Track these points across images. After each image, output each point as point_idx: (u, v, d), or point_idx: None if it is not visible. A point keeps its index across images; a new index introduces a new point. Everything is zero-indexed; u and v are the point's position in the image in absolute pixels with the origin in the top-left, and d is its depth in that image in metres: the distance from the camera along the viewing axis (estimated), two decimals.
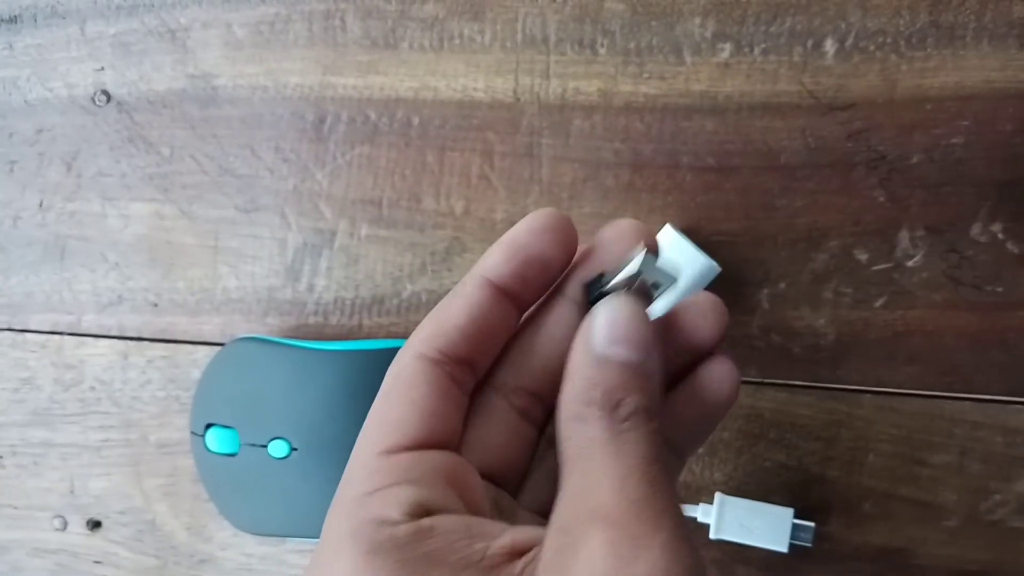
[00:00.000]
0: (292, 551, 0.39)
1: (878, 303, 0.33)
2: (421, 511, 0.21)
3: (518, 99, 0.35)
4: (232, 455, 0.36)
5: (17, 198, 0.40)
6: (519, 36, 0.35)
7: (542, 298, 0.25)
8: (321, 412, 0.35)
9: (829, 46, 0.33)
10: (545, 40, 0.35)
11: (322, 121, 0.37)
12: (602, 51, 0.34)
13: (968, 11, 0.32)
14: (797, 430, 0.34)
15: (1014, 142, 0.32)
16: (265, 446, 0.35)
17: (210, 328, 0.39)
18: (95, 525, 0.41)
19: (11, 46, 0.40)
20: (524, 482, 0.25)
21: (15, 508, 0.42)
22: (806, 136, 0.33)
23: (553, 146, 0.35)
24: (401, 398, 0.23)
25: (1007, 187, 0.32)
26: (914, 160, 0.33)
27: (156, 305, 0.40)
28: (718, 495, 0.33)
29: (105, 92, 0.39)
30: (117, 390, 0.40)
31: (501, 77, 0.35)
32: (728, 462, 0.35)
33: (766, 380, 0.34)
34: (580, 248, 0.25)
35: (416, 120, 0.36)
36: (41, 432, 0.41)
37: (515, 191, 0.36)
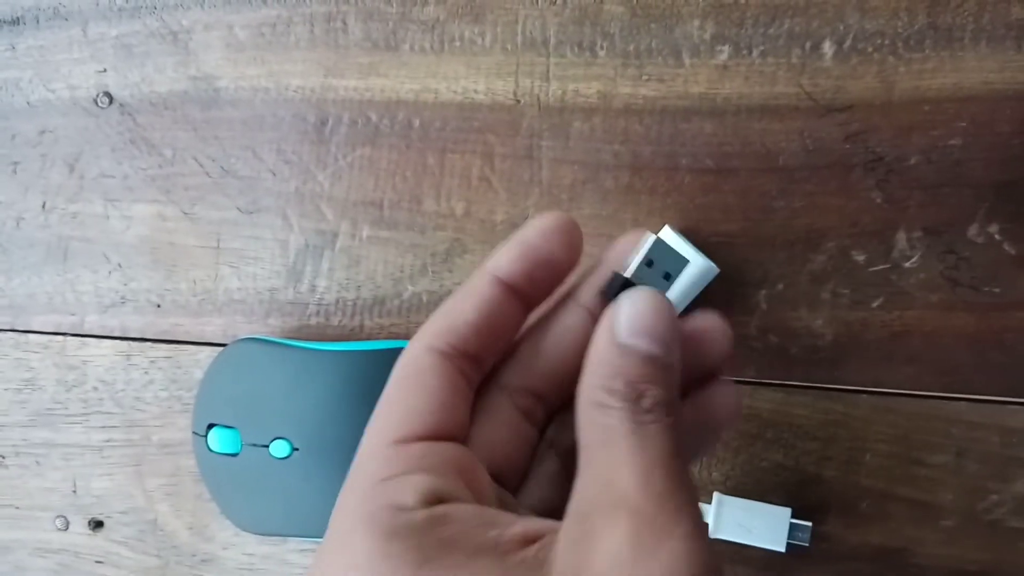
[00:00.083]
0: (294, 551, 0.39)
1: (876, 304, 0.33)
2: (435, 499, 0.21)
3: (518, 101, 0.35)
4: (234, 455, 0.36)
5: (20, 199, 0.41)
6: (519, 38, 0.35)
7: (553, 302, 0.25)
8: (322, 412, 0.35)
9: (827, 48, 0.33)
10: (545, 42, 0.35)
11: (323, 123, 0.37)
12: (601, 53, 0.35)
13: (966, 13, 0.32)
14: (795, 430, 0.34)
15: (1012, 143, 0.32)
16: (267, 446, 0.35)
17: (212, 329, 0.39)
18: (97, 525, 0.41)
19: (13, 47, 0.40)
20: (523, 483, 0.25)
21: (17, 508, 0.42)
22: (804, 138, 0.33)
23: (553, 148, 0.35)
24: (414, 389, 0.23)
25: (1005, 188, 0.32)
26: (912, 161, 0.33)
27: (158, 306, 0.40)
28: (716, 495, 0.33)
29: (107, 94, 0.39)
30: (119, 391, 0.41)
31: (501, 79, 0.35)
32: (726, 462, 0.35)
33: (764, 380, 0.34)
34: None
35: (417, 122, 0.36)
36: (43, 432, 0.42)
37: (515, 193, 0.36)
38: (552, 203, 0.36)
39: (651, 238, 0.23)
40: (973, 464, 0.33)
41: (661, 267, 0.24)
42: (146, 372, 0.40)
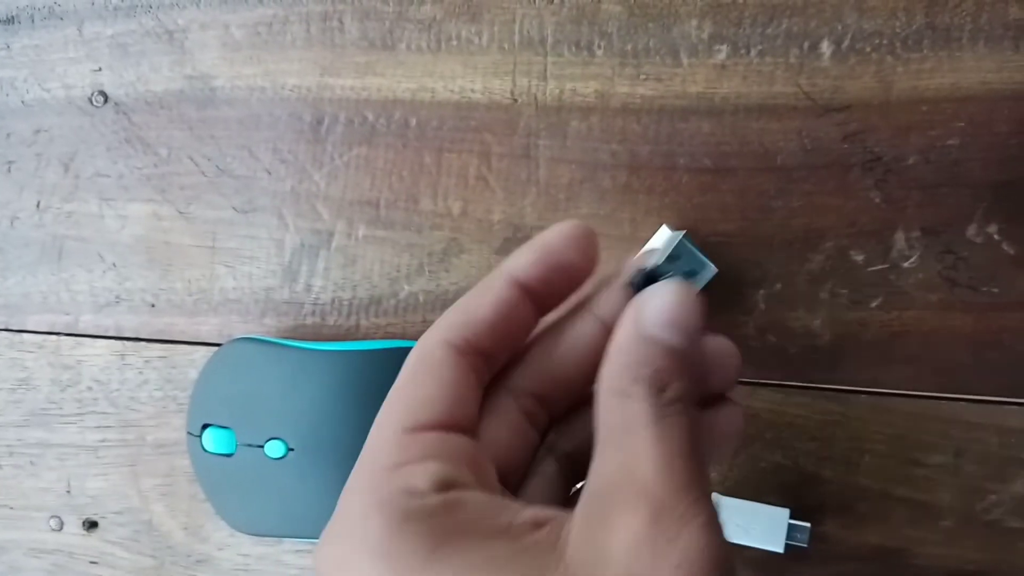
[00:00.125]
0: (289, 551, 0.39)
1: (874, 304, 0.33)
2: (447, 486, 0.21)
3: (515, 100, 0.35)
4: (229, 455, 0.36)
5: (15, 199, 0.40)
6: (516, 37, 0.35)
7: (565, 309, 0.25)
8: (318, 413, 0.35)
9: (825, 48, 0.33)
10: (542, 42, 0.35)
11: (320, 122, 0.37)
12: (599, 53, 0.34)
13: (964, 13, 0.32)
14: (793, 430, 0.34)
15: (1010, 143, 0.32)
16: (262, 446, 0.35)
17: (207, 328, 0.39)
18: (92, 525, 0.41)
19: (8, 47, 0.40)
20: (522, 485, 0.25)
21: (11, 508, 0.42)
22: (802, 137, 0.33)
23: (550, 147, 0.35)
24: (428, 380, 0.23)
25: (1003, 188, 0.32)
26: (910, 161, 0.33)
27: (153, 306, 0.40)
28: (714, 495, 0.33)
29: (103, 93, 0.39)
30: (114, 390, 0.40)
31: (498, 78, 0.35)
32: (724, 462, 0.35)
33: (762, 381, 0.34)
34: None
35: (414, 121, 0.36)
36: (38, 432, 0.41)
37: (512, 192, 0.36)
38: (549, 203, 0.35)
39: (678, 234, 0.23)
40: (971, 464, 0.33)
41: (686, 264, 0.24)
42: (141, 372, 0.40)
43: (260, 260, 0.38)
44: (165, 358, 0.40)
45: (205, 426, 0.36)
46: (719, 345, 0.25)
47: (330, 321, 0.38)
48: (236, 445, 0.36)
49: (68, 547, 0.42)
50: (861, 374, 0.34)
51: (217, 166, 0.38)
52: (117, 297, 0.40)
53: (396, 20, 0.36)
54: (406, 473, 0.21)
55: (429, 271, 0.37)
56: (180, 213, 0.39)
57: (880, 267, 0.33)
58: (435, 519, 0.20)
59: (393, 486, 0.21)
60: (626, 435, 0.21)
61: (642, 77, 0.34)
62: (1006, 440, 0.33)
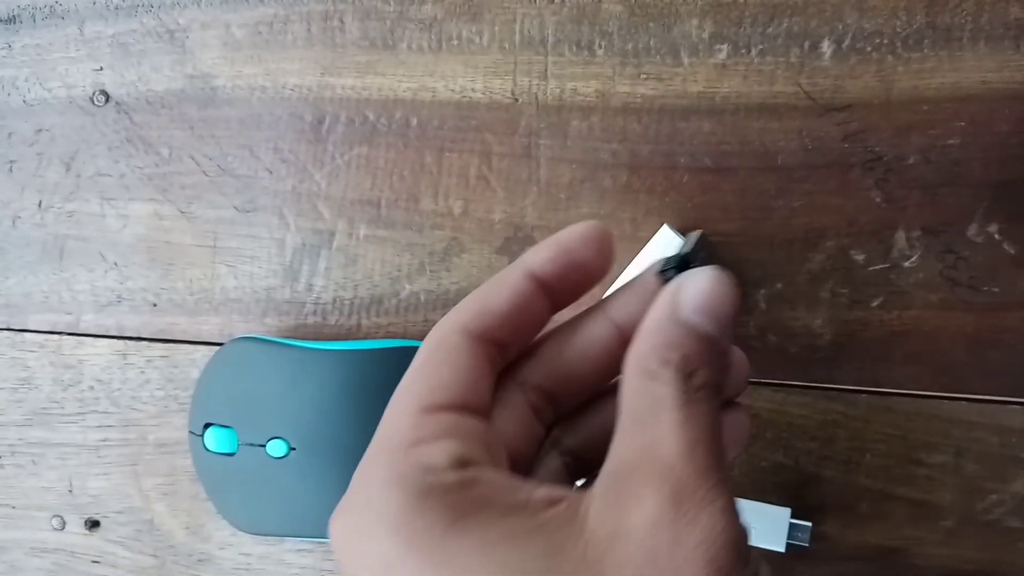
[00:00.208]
0: (290, 550, 0.39)
1: (875, 303, 0.33)
2: (464, 464, 0.21)
3: (516, 100, 0.35)
4: (230, 455, 0.36)
5: (16, 198, 0.40)
6: (517, 37, 0.35)
7: (578, 309, 0.25)
8: (319, 412, 0.35)
9: (826, 47, 0.33)
10: (543, 41, 0.35)
11: (320, 122, 0.37)
12: (600, 52, 0.35)
13: (965, 12, 0.32)
14: (794, 430, 0.34)
15: (1010, 143, 0.32)
16: (263, 446, 0.35)
17: (209, 328, 0.39)
18: (93, 525, 0.41)
19: (10, 46, 0.40)
20: (527, 478, 0.25)
21: (13, 508, 0.42)
22: (803, 137, 0.33)
23: (551, 147, 0.35)
24: (444, 363, 0.23)
25: (1003, 188, 0.32)
26: (910, 161, 0.33)
27: (155, 305, 0.40)
28: None
29: (104, 92, 0.39)
30: (116, 390, 0.40)
31: (499, 78, 0.35)
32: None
33: (763, 380, 0.34)
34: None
35: (414, 121, 0.36)
36: (40, 432, 0.41)
37: (513, 192, 0.36)
38: (550, 202, 0.35)
39: (696, 232, 0.23)
40: (972, 464, 0.33)
41: (703, 262, 0.24)
42: (142, 371, 0.40)
43: (261, 260, 0.38)
44: (167, 357, 0.40)
45: (207, 425, 0.36)
46: (731, 354, 0.25)
47: (331, 321, 0.38)
48: (238, 444, 0.36)
49: (70, 546, 0.42)
50: (862, 374, 0.34)
51: (218, 166, 0.38)
52: (118, 296, 0.40)
53: (397, 20, 0.36)
54: (423, 450, 0.22)
55: (430, 271, 0.37)
56: (181, 212, 0.39)
57: (881, 267, 0.33)
58: (452, 495, 0.20)
59: (411, 463, 0.21)
60: (651, 416, 0.21)
61: (643, 77, 0.34)
62: (1007, 440, 0.33)
